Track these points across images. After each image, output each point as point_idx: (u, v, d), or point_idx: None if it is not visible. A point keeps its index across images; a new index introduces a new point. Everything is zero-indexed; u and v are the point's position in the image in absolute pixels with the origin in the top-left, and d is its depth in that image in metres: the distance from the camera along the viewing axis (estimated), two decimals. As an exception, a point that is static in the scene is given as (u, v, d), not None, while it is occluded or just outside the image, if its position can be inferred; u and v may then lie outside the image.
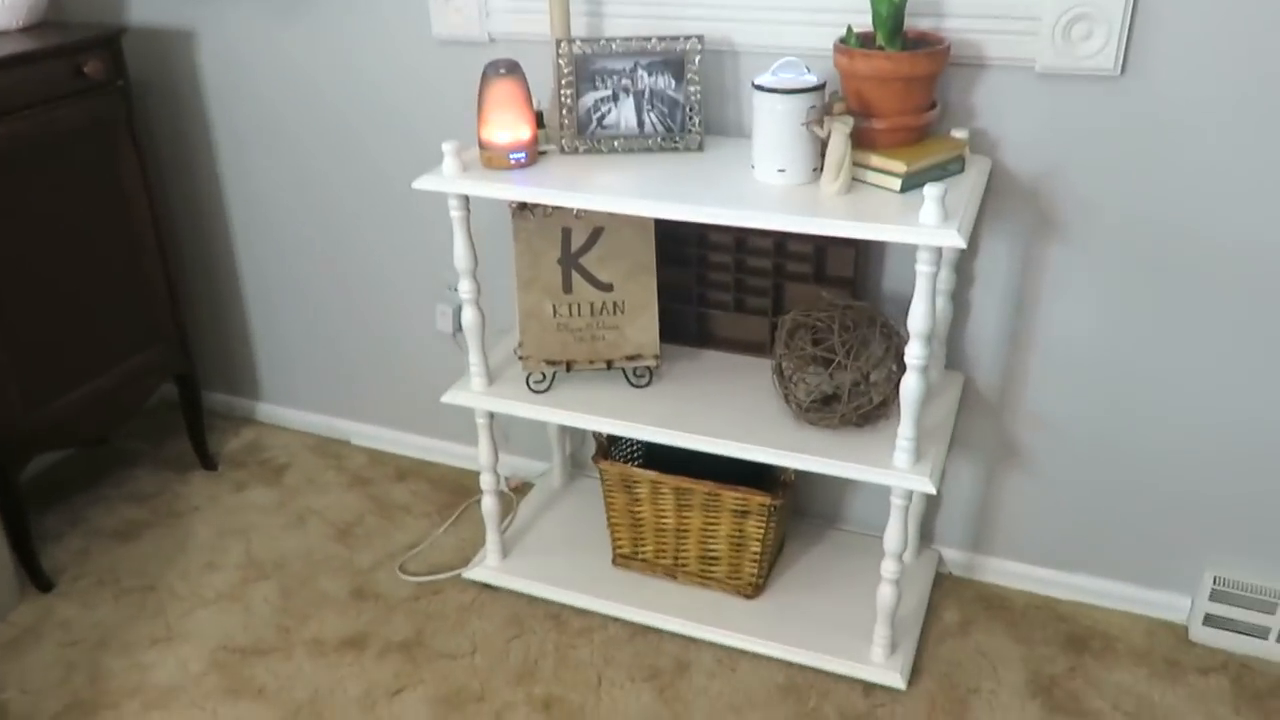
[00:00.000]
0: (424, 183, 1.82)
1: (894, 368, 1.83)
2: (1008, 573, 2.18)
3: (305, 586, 2.25)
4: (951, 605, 2.13)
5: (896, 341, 1.83)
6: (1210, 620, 1.99)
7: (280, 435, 2.80)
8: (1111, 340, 1.93)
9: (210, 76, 2.44)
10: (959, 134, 1.79)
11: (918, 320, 1.62)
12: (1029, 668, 1.97)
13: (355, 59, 2.28)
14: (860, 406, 1.79)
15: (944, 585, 2.19)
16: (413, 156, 2.28)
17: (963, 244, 1.52)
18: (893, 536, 1.82)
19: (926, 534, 2.23)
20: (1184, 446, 1.95)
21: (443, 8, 2.12)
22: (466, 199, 1.86)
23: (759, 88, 1.69)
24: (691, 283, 2.10)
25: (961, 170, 1.76)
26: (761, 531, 2.00)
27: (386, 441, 2.72)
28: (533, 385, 2.00)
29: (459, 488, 2.56)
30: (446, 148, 1.80)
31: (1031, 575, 2.16)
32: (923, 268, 1.59)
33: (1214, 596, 1.98)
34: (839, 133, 1.63)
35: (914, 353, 1.65)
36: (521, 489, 2.50)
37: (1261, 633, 1.97)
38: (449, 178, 1.81)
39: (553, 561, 2.22)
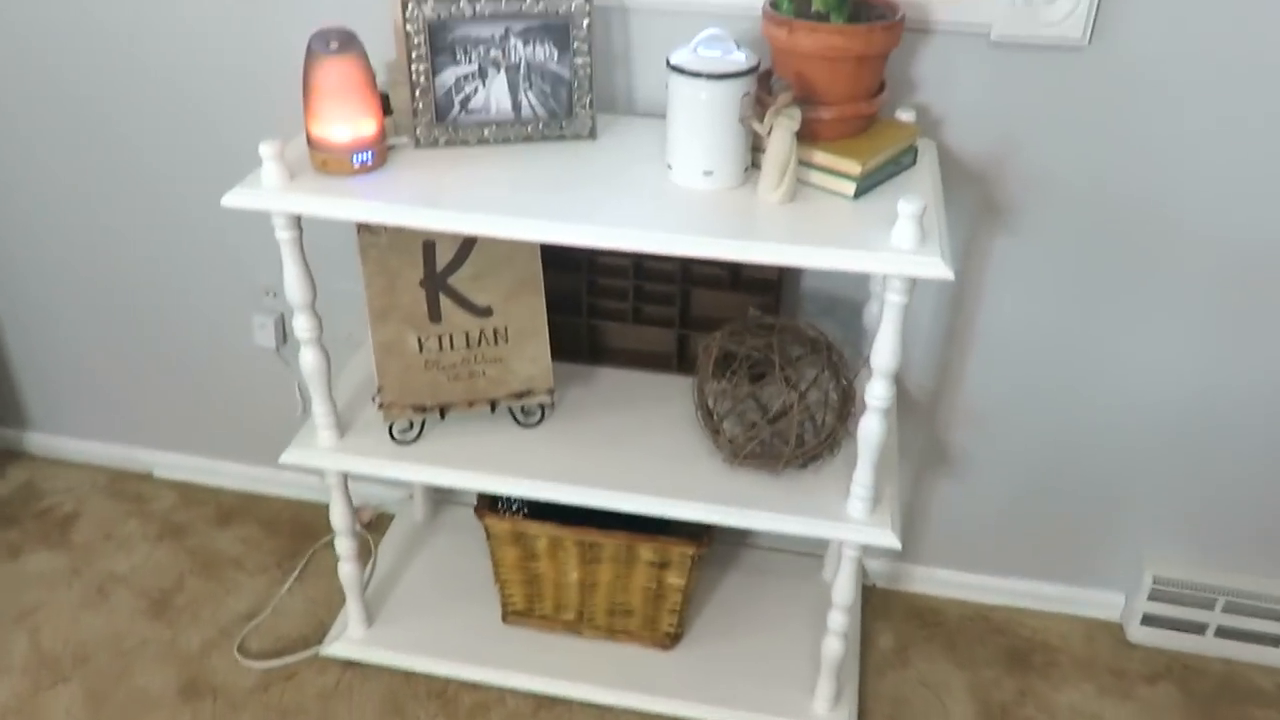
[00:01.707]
0: (238, 199, 1.38)
1: (833, 394, 1.56)
2: (936, 580, 2.00)
3: (119, 686, 1.81)
4: (884, 627, 1.94)
5: (838, 362, 1.56)
6: (1148, 620, 1.89)
7: (62, 473, 2.27)
8: (1053, 335, 1.73)
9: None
10: (905, 116, 1.50)
11: (884, 356, 1.34)
12: (977, 697, 1.80)
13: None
14: (808, 451, 1.51)
15: (872, 601, 1.99)
16: (212, 151, 1.78)
17: (950, 275, 1.24)
18: (844, 589, 1.58)
19: (848, 546, 2.02)
20: (1123, 443, 1.80)
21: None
22: (298, 217, 1.42)
23: (678, 69, 1.34)
24: (581, 289, 1.74)
25: (914, 163, 1.48)
26: (683, 582, 1.72)
27: (200, 472, 2.25)
28: (397, 435, 1.62)
29: (300, 527, 2.14)
30: (265, 151, 1.35)
31: (958, 581, 2.00)
32: (894, 298, 1.30)
33: (1153, 595, 1.87)
34: (784, 129, 1.31)
35: (877, 393, 1.38)
36: (377, 524, 2.11)
37: (1199, 629, 1.88)
38: (271, 191, 1.37)
39: (430, 623, 1.87)
